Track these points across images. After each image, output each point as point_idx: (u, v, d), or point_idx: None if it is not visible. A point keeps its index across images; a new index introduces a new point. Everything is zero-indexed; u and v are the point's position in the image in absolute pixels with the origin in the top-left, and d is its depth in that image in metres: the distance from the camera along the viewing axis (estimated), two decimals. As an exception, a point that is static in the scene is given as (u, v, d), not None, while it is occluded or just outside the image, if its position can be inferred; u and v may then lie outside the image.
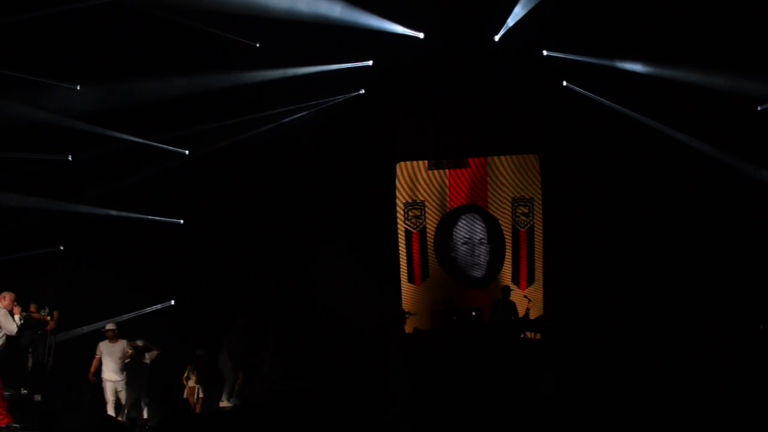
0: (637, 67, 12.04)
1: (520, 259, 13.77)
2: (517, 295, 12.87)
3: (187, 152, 12.69)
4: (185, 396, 11.81)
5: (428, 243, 14.00)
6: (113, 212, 12.51)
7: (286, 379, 11.33)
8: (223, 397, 11.20)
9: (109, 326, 10.58)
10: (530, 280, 13.64)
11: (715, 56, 11.20)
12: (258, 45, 11.95)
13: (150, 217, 12.73)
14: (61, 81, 11.08)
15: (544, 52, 12.55)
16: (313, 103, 13.14)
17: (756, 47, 10.83)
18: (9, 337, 9.03)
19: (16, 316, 9.06)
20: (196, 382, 11.88)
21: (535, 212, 13.84)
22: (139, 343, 10.92)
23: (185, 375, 11.95)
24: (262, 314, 12.18)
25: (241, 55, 11.89)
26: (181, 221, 13.08)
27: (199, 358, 11.90)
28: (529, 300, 12.46)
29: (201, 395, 11.86)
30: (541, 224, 13.78)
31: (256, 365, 11.55)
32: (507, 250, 13.83)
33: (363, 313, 12.58)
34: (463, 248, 13.94)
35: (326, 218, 13.33)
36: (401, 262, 13.90)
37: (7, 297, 9.09)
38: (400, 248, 13.97)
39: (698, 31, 11.16)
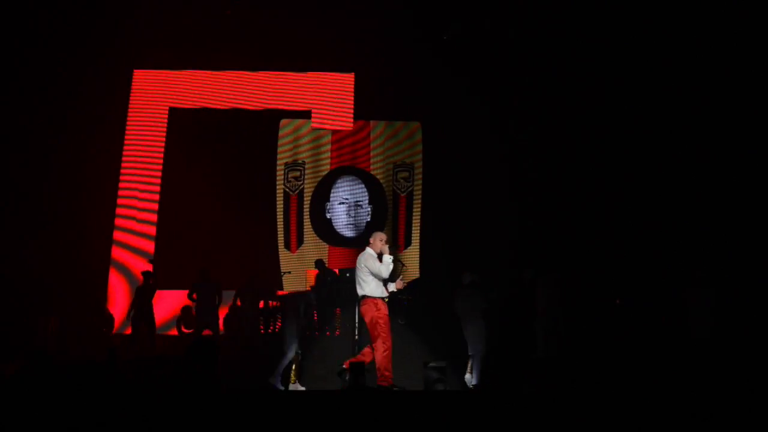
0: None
1: (399, 223, 14.02)
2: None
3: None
4: None
5: (305, 207, 13.86)
6: None
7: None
8: None
9: None
10: (407, 243, 13.95)
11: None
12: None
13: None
14: None
15: None
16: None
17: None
18: None
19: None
20: None
21: (415, 178, 14.10)
22: None
23: None
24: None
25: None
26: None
27: None
28: (403, 264, 12.84)
29: None
30: (420, 189, 14.08)
31: None
32: (387, 213, 14.02)
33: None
34: (339, 208, 13.88)
35: (207, 176, 13.06)
36: (278, 227, 13.66)
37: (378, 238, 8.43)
38: (277, 212, 13.71)
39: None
